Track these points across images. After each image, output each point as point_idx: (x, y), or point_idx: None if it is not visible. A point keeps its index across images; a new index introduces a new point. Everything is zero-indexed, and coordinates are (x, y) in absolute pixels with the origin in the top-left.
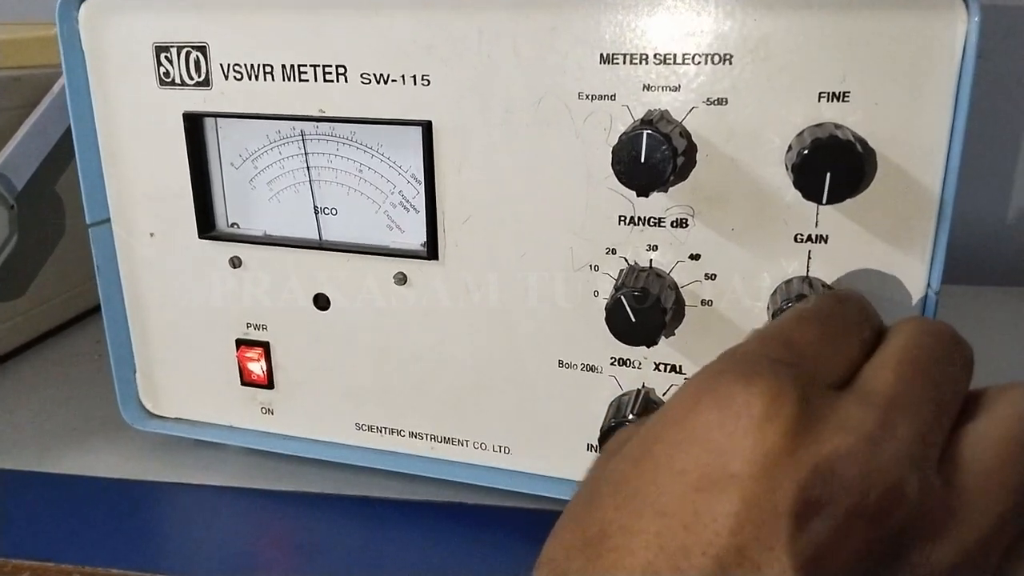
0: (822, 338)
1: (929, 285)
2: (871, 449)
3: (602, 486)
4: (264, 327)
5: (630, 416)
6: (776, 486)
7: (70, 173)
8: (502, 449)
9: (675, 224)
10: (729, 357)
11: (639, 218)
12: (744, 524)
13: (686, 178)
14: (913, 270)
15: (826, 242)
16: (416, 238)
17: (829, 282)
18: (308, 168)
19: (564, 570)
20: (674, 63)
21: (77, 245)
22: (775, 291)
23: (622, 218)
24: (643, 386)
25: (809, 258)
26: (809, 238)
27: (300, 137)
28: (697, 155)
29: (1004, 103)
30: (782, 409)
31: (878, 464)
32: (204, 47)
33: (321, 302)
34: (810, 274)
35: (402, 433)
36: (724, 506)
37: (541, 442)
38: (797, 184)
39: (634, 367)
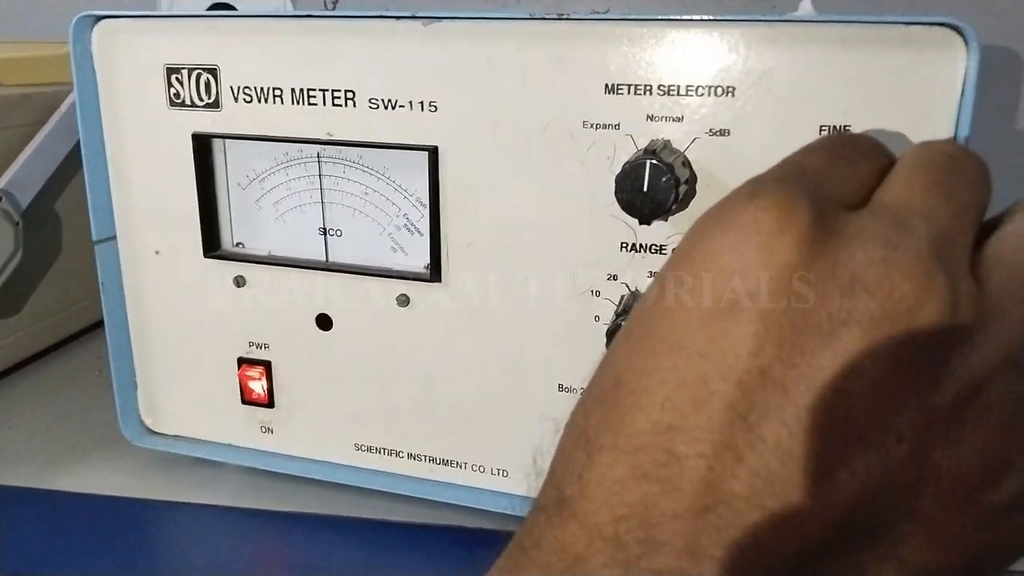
0: (833, 160)
1: None
2: (891, 251)
3: (615, 343)
4: (266, 346)
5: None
6: (794, 301)
7: (67, 191)
8: (501, 472)
9: None
10: (736, 188)
11: (641, 245)
12: (764, 344)
13: (688, 206)
14: None
15: None
16: (420, 260)
17: None
18: (321, 190)
19: (584, 427)
20: (677, 94)
21: (77, 262)
22: None
23: (624, 245)
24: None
25: None
26: None
27: (316, 159)
28: (699, 184)
29: (1004, 133)
30: (793, 220)
31: (899, 264)
32: (215, 70)
33: (324, 322)
34: None
35: (401, 454)
36: (741, 328)
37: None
38: None
39: None
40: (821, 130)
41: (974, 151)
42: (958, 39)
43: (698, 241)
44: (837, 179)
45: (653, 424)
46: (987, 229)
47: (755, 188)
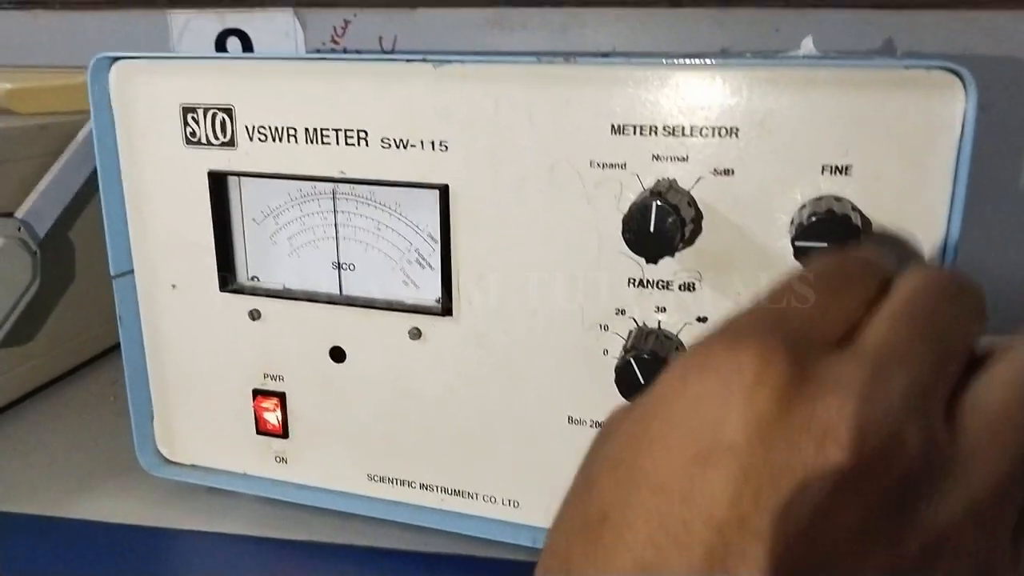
0: (818, 294)
1: None
2: (863, 404)
3: (600, 467)
4: (281, 378)
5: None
6: (771, 452)
7: (82, 219)
8: (511, 503)
9: (683, 288)
10: (718, 327)
11: (648, 281)
12: (743, 493)
13: (693, 244)
14: None
15: None
16: (431, 294)
17: None
18: (336, 225)
19: (566, 556)
20: (683, 135)
21: (92, 289)
22: None
23: (631, 280)
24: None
25: None
26: None
27: (330, 196)
28: (704, 222)
29: (1006, 152)
30: (771, 372)
31: (871, 419)
32: (230, 109)
33: (337, 355)
34: None
35: (413, 485)
36: (721, 476)
37: (550, 497)
38: (797, 256)
39: None
40: (823, 170)
41: (970, 279)
42: (957, 82)
43: (680, 384)
44: (820, 317)
45: (635, 562)
46: (978, 361)
47: (735, 335)
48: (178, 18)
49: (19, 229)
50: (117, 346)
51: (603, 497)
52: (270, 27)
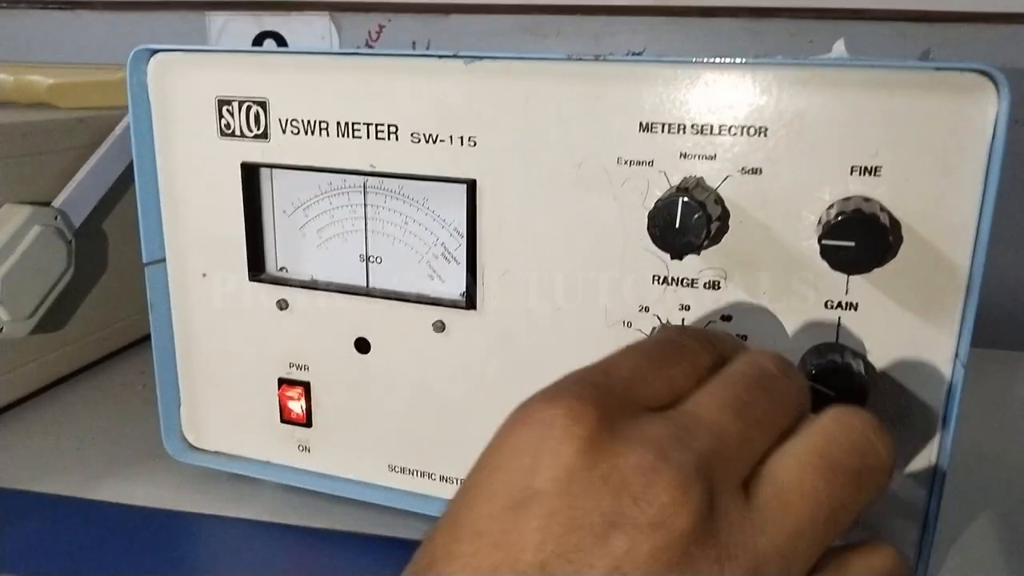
0: (643, 363)
1: (957, 356)
2: (660, 462)
3: (438, 520)
4: (306, 367)
5: None
6: (575, 501)
7: (116, 211)
8: None
9: (708, 286)
10: (547, 385)
11: (673, 278)
12: (547, 539)
13: (719, 242)
14: (941, 341)
15: (856, 310)
16: (456, 288)
17: (859, 349)
18: (365, 219)
19: None
20: (711, 133)
21: (124, 280)
22: (804, 355)
23: (656, 278)
24: None
25: (839, 325)
26: (839, 305)
27: (360, 189)
28: (731, 221)
29: None
30: (579, 426)
31: (663, 475)
32: (264, 102)
33: (362, 346)
34: (840, 340)
35: (433, 477)
36: (529, 522)
37: None
38: (824, 255)
39: None
40: (852, 170)
41: (796, 370)
42: (989, 85)
43: (505, 435)
44: (642, 382)
45: None
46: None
47: (554, 392)
48: (216, 19)
49: (55, 218)
50: (146, 337)
51: (434, 545)
52: (306, 30)
